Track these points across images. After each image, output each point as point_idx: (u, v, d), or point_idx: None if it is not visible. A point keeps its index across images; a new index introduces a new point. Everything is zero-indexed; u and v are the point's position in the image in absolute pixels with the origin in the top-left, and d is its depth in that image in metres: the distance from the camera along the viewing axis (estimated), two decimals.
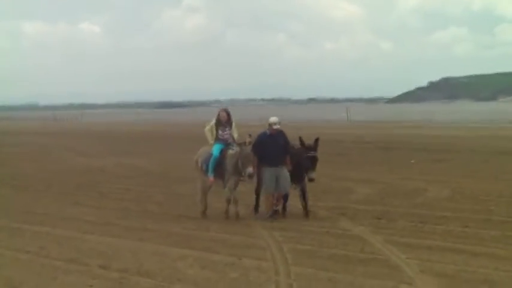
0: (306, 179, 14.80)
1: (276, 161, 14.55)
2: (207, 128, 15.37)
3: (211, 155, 14.98)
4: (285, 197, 15.05)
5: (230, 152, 14.74)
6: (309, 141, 14.78)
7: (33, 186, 21.76)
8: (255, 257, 11.19)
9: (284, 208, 15.17)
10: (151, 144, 44.79)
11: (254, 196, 15.56)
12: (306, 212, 14.92)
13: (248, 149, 14.35)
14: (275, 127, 14.77)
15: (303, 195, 15.04)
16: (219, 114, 15.32)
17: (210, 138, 15.28)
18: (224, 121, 15.26)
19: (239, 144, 14.61)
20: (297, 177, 14.82)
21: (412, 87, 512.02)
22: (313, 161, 14.57)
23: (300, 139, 14.83)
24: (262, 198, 15.21)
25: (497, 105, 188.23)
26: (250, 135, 14.59)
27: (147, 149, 39.71)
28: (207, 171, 15.06)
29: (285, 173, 14.59)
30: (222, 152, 14.90)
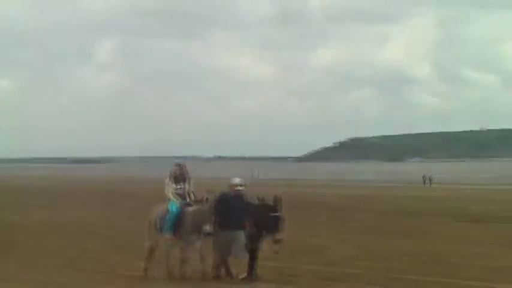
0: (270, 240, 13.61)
1: (234, 224, 13.37)
2: (166, 189, 14.26)
3: (167, 212, 13.95)
4: (253, 260, 13.74)
5: (189, 209, 13.83)
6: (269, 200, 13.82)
7: None
8: None
9: (252, 270, 13.74)
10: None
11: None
12: (252, 274, 13.68)
13: (206, 205, 13.41)
14: (237, 188, 13.81)
15: (254, 257, 13.72)
16: (172, 170, 14.59)
17: (172, 196, 14.14)
18: (178, 176, 14.43)
19: (197, 201, 13.79)
20: (255, 237, 13.66)
21: (320, 147, 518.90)
22: (278, 221, 13.44)
23: (258, 198, 13.93)
24: (214, 262, 13.76)
25: (404, 166, 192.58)
26: (208, 191, 13.73)
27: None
28: (162, 229, 13.93)
29: (241, 237, 13.39)
30: (180, 209, 13.89)
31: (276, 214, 13.48)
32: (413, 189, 65.35)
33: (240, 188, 13.82)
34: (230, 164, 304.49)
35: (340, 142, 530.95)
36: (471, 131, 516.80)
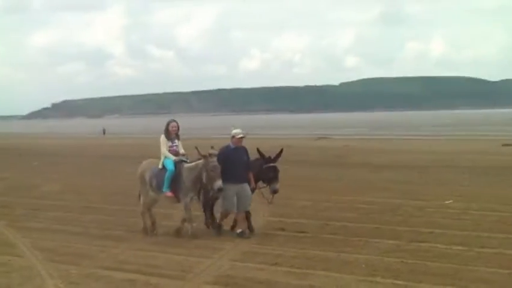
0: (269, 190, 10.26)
1: (239, 177, 9.91)
2: (162, 147, 10.22)
3: (163, 169, 10.10)
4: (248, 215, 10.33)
5: (187, 165, 10.02)
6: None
7: None
8: None
9: (250, 227, 10.25)
10: None
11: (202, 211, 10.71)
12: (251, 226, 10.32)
13: (214, 160, 9.68)
14: (239, 137, 10.07)
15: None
16: (168, 125, 10.31)
17: (168, 154, 10.15)
18: (174, 133, 10.33)
19: (204, 156, 9.70)
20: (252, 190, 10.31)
21: (40, 107, 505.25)
22: (275, 171, 10.15)
23: (258, 150, 10.22)
24: (220, 215, 10.33)
25: (102, 121, 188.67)
26: (212, 147, 9.93)
27: None
28: (157, 186, 10.15)
29: (247, 190, 10.01)
30: (177, 166, 10.02)
31: (273, 165, 10.18)
32: (95, 139, 61.48)
33: (240, 136, 10.14)
34: None
35: (54, 104, 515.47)
36: (155, 93, 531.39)
